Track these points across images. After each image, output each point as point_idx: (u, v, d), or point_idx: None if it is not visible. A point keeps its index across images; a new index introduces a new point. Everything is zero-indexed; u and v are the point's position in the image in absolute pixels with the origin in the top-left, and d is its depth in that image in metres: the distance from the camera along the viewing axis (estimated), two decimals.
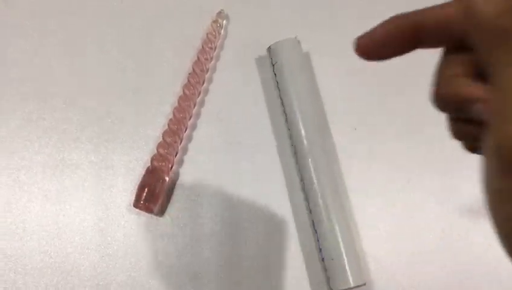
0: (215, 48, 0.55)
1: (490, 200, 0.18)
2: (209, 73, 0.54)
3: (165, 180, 0.48)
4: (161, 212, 0.48)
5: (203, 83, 0.53)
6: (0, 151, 0.49)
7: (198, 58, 0.52)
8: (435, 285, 0.47)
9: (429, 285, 0.47)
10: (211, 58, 0.54)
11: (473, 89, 0.20)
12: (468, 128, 0.22)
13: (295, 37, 0.52)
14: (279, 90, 0.52)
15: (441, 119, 0.55)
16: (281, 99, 0.51)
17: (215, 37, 0.54)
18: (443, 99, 0.21)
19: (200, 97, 0.53)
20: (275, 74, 0.52)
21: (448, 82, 0.21)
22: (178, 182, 0.50)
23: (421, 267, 0.48)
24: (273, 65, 0.52)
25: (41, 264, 0.46)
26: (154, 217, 0.48)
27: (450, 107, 0.21)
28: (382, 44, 0.23)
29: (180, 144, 0.50)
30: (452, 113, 0.22)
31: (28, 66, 0.53)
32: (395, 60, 0.61)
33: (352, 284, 0.43)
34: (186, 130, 0.51)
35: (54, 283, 0.45)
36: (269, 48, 0.53)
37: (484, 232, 0.48)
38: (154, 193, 0.47)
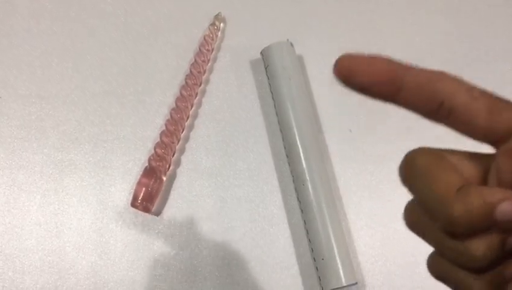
0: (212, 50, 0.55)
1: None
2: (206, 74, 0.55)
3: (163, 180, 0.48)
4: (158, 211, 0.49)
5: (200, 84, 0.54)
6: None
7: (195, 60, 0.53)
8: (427, 285, 0.48)
9: (422, 285, 0.48)
10: (208, 60, 0.55)
11: (500, 191, 0.17)
12: (460, 274, 0.20)
13: (287, 40, 0.53)
14: (272, 92, 0.53)
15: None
16: (274, 101, 0.52)
17: (212, 39, 0.55)
18: (469, 217, 0.17)
19: (197, 98, 0.53)
20: (268, 77, 0.53)
21: (463, 196, 0.17)
22: (175, 182, 0.50)
23: (414, 267, 0.48)
24: (266, 68, 0.53)
25: (39, 263, 0.46)
26: (152, 216, 0.49)
27: (478, 224, 0.18)
28: (359, 69, 0.19)
29: (177, 144, 0.51)
30: (474, 233, 0.18)
31: (28, 67, 0.53)
32: None
33: (342, 284, 0.44)
34: (183, 130, 0.51)
35: (52, 281, 0.46)
36: (262, 51, 0.53)
37: None
38: (151, 192, 0.47)
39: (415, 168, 0.20)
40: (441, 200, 0.18)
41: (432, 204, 0.19)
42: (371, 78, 0.19)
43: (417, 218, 0.21)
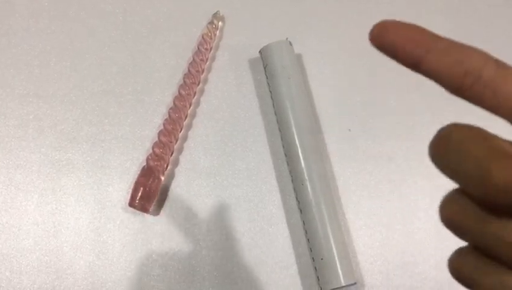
0: (211, 49, 0.55)
1: None
2: (204, 74, 0.54)
3: (161, 179, 0.48)
4: (156, 211, 0.49)
5: (199, 83, 0.53)
6: None
7: (194, 59, 0.53)
8: (427, 285, 0.48)
9: (421, 285, 0.48)
10: (207, 59, 0.54)
11: None
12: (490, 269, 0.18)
13: (286, 39, 0.53)
14: (271, 92, 0.52)
15: (435, 119, 0.56)
16: (273, 100, 0.52)
17: (210, 38, 0.55)
18: None
19: (195, 97, 0.53)
20: (267, 76, 0.53)
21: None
22: (173, 182, 0.50)
23: (413, 267, 0.48)
24: (265, 67, 0.53)
25: (36, 263, 0.46)
26: (150, 216, 0.48)
27: None
28: (396, 33, 0.20)
29: (175, 143, 0.50)
30: None
31: (26, 66, 0.53)
32: (388, 61, 0.62)
33: (341, 284, 0.44)
34: (181, 130, 0.51)
35: (49, 281, 0.46)
36: (261, 50, 0.53)
37: None
38: (149, 192, 0.47)
39: (452, 142, 0.17)
40: (480, 163, 0.16)
41: (470, 167, 0.16)
42: (403, 35, 0.20)
43: (455, 209, 0.19)
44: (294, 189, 0.49)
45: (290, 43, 0.53)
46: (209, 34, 0.55)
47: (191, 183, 0.50)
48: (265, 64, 0.53)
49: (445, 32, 0.68)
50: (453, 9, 0.61)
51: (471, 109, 0.61)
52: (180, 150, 0.51)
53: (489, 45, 0.64)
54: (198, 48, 0.54)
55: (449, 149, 0.17)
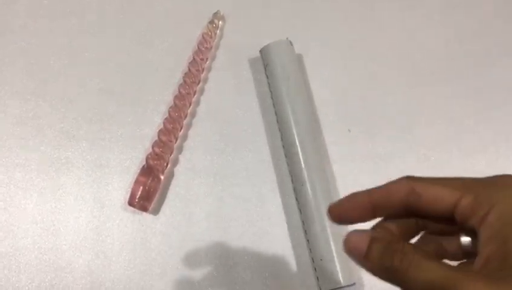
0: (211, 48, 0.55)
1: None
2: (204, 73, 0.54)
3: (160, 178, 0.48)
4: (156, 210, 0.49)
5: (199, 82, 0.53)
6: None
7: (193, 58, 0.53)
8: None
9: None
10: (207, 59, 0.54)
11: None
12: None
13: (286, 39, 0.53)
14: (271, 91, 0.52)
15: (434, 120, 0.56)
16: (273, 100, 0.52)
17: (210, 38, 0.55)
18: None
19: (195, 97, 0.53)
20: (267, 76, 0.53)
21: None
22: (173, 181, 0.50)
23: None
24: (265, 67, 0.53)
25: (35, 262, 0.46)
26: (149, 215, 0.48)
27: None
28: (348, 214, 0.29)
29: (175, 143, 0.50)
30: None
31: (25, 64, 0.53)
32: (387, 62, 0.62)
33: (340, 284, 0.44)
34: (181, 129, 0.51)
35: (48, 280, 0.46)
36: (261, 49, 0.53)
37: None
38: (149, 191, 0.47)
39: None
40: None
41: None
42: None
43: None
44: (294, 189, 0.49)
45: (291, 43, 0.53)
46: (210, 33, 0.54)
47: (190, 183, 0.50)
48: (265, 64, 0.53)
49: (445, 32, 0.68)
50: (453, 9, 0.61)
51: (469, 109, 0.61)
52: (180, 149, 0.51)
53: (487, 45, 0.64)
54: (199, 47, 0.53)
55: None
